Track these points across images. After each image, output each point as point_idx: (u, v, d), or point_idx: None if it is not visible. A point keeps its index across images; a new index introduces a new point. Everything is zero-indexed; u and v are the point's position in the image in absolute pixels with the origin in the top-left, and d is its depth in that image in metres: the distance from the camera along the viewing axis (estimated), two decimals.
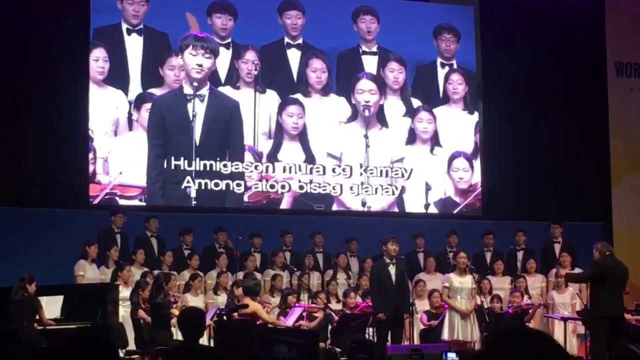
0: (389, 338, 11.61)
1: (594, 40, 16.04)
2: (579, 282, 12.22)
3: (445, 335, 12.03)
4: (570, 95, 16.12)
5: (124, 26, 14.49)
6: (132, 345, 11.35)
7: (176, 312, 10.89)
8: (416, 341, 12.40)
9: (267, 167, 14.73)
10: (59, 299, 11.22)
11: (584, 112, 16.10)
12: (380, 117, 15.45)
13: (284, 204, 14.87)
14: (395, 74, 15.65)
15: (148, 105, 14.33)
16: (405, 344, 11.88)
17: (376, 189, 15.21)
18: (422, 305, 12.91)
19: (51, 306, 11.05)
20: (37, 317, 10.74)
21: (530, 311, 12.75)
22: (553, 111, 16.08)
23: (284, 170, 14.78)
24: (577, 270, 12.95)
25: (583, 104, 16.11)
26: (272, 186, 14.72)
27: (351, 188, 15.07)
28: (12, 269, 11.69)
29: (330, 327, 12.44)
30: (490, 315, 12.15)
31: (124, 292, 11.84)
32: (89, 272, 12.31)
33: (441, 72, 16.00)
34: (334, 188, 14.99)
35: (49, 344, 9.63)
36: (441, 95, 15.94)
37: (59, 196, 13.51)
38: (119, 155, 14.11)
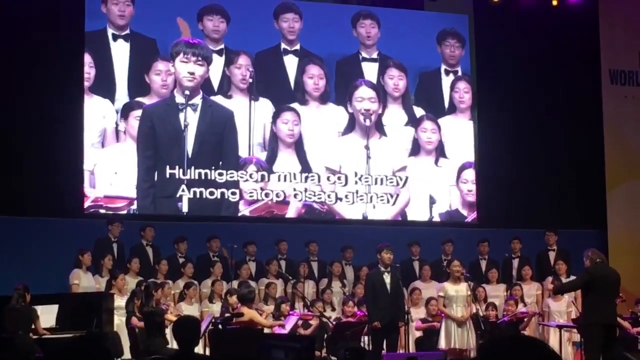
0: (384, 346, 11.60)
1: (588, 48, 16.07)
2: (569, 291, 12.21)
3: (442, 344, 12.00)
4: (565, 102, 16.13)
5: (110, 31, 14.13)
6: (127, 354, 11.32)
7: (171, 317, 10.90)
8: (412, 349, 12.38)
9: (262, 176, 14.48)
10: (54, 308, 11.19)
11: (579, 119, 16.11)
12: (378, 126, 15.10)
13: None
14: (395, 80, 15.29)
15: (136, 114, 13.97)
16: (401, 352, 11.86)
17: (374, 199, 14.88)
18: (417, 313, 12.91)
19: (46, 315, 11.02)
20: (33, 326, 10.71)
21: (525, 320, 12.73)
22: (548, 118, 16.08)
23: (279, 179, 14.54)
24: (572, 278, 12.95)
25: (577, 111, 16.12)
26: (267, 194, 14.50)
27: (347, 196, 14.80)
28: (6, 278, 11.66)
29: (325, 335, 12.42)
30: (486, 323, 12.15)
31: (119, 301, 11.81)
32: (84, 281, 12.28)
33: (445, 80, 15.68)
34: (329, 196, 14.74)
35: (45, 353, 9.62)
36: (447, 104, 15.61)
37: (53, 205, 13.45)
38: (106, 168, 13.82)
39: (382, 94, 15.20)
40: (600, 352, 10.17)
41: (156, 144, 14.04)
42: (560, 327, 12.51)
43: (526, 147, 15.97)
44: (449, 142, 15.50)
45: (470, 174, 15.50)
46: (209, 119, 14.28)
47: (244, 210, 14.46)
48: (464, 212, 15.43)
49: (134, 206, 13.96)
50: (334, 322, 12.23)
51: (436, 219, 15.28)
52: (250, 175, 14.45)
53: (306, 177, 14.69)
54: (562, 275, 13.41)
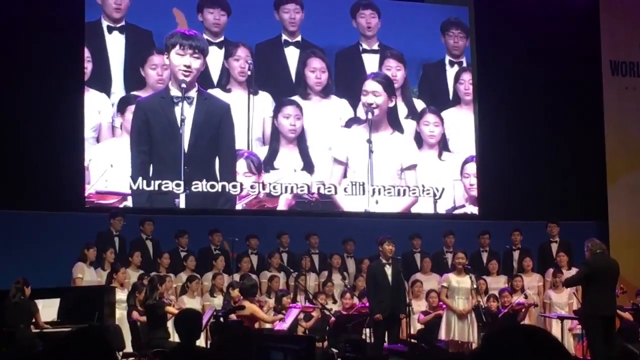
0: (386, 338, 11.59)
1: (589, 39, 16.03)
2: (574, 285, 12.19)
3: (442, 335, 12.03)
4: (566, 94, 16.09)
5: (105, 23, 13.91)
6: (129, 348, 11.33)
7: (172, 309, 10.91)
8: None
9: (257, 169, 14.28)
10: (56, 301, 11.21)
11: (580, 111, 16.08)
12: (390, 120, 14.74)
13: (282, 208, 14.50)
14: (392, 72, 15.00)
15: (132, 109, 13.72)
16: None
17: (376, 194, 14.71)
18: (418, 305, 12.90)
19: (48, 309, 11.03)
20: (34, 320, 10.72)
21: (522, 311, 12.68)
22: (548, 110, 16.06)
23: (275, 172, 14.34)
24: (574, 270, 12.93)
25: (578, 103, 16.09)
26: (263, 186, 14.33)
27: (346, 190, 14.67)
28: (7, 272, 11.65)
29: (327, 327, 12.41)
30: (487, 314, 12.15)
31: (120, 295, 11.82)
32: (87, 275, 12.29)
33: (450, 72, 15.47)
34: (328, 189, 14.59)
35: (45, 346, 9.60)
36: (451, 96, 15.41)
37: (54, 199, 13.43)
38: (102, 164, 13.64)
39: (388, 87, 14.88)
40: (603, 343, 10.17)
41: (151, 138, 13.80)
42: (561, 318, 12.50)
43: (527, 139, 15.92)
44: (453, 135, 15.28)
45: (472, 168, 15.35)
46: (205, 112, 14.01)
47: (238, 204, 14.28)
48: (468, 206, 15.22)
49: (129, 202, 13.78)
50: (335, 315, 12.22)
51: (441, 212, 15.10)
52: (246, 169, 14.25)
53: (304, 169, 14.48)
54: (563, 267, 13.39)
